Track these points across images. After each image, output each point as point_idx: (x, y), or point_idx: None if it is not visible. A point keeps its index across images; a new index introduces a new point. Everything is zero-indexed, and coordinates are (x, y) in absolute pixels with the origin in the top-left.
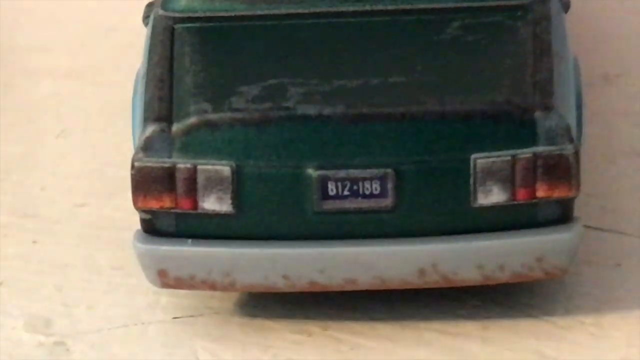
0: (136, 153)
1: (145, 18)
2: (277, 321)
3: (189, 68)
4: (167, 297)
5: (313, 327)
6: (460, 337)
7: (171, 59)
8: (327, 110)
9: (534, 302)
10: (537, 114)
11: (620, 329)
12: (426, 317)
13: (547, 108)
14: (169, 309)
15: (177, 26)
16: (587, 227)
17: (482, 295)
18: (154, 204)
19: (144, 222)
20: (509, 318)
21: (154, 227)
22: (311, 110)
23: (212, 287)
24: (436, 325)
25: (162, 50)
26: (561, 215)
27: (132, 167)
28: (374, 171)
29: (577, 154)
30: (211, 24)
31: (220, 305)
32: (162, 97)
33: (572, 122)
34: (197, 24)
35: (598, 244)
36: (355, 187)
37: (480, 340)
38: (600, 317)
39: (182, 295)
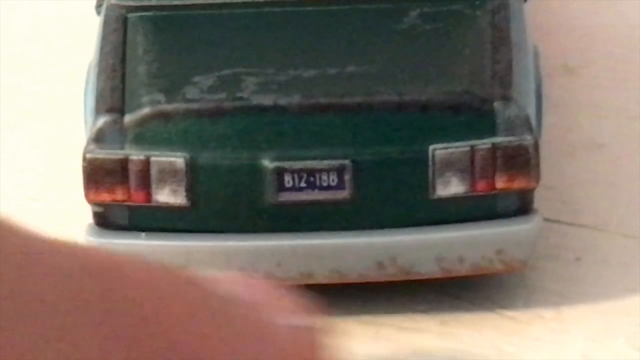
0: (87, 145)
1: (98, 7)
2: None
3: (141, 58)
4: None
5: None
6: (418, 332)
7: (124, 48)
8: (283, 101)
9: (494, 297)
10: (496, 104)
11: (581, 324)
12: (384, 313)
13: (506, 98)
14: None
15: (130, 15)
16: (547, 220)
17: (441, 290)
18: (106, 197)
19: (96, 215)
20: (468, 313)
21: (106, 221)
22: (267, 100)
23: None
24: (394, 320)
25: (115, 40)
26: (521, 206)
27: (84, 159)
28: (331, 162)
29: (536, 144)
30: (165, 13)
31: None
32: (114, 88)
33: (531, 112)
34: (150, 13)
35: (558, 237)
36: (312, 179)
37: (438, 336)
38: (560, 312)
39: None
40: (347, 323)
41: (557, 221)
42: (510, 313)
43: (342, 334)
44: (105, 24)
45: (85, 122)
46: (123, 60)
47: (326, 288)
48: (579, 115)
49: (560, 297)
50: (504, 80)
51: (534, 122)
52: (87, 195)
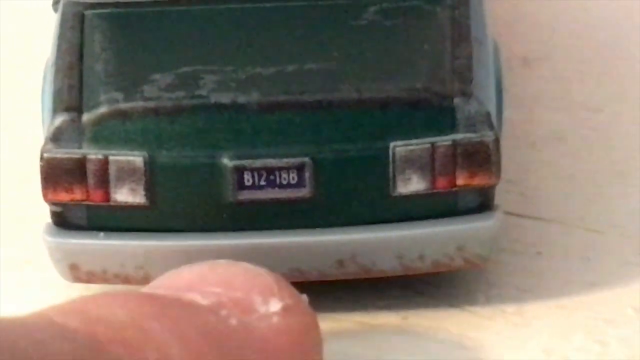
0: (45, 144)
1: (55, 4)
2: None
3: (99, 56)
4: (82, 292)
5: None
6: (379, 328)
7: (81, 46)
8: (241, 99)
9: (455, 292)
10: (456, 101)
11: (542, 318)
12: (345, 309)
13: (466, 94)
14: None
15: (87, 12)
16: (508, 213)
17: (402, 286)
18: (64, 197)
19: (54, 215)
20: (430, 308)
21: (64, 220)
22: (225, 98)
23: (126, 281)
24: (355, 316)
25: (72, 37)
26: (481, 203)
27: (41, 158)
28: (291, 160)
29: (497, 141)
30: (123, 10)
31: None
32: (71, 86)
33: (491, 108)
34: (108, 10)
35: (519, 231)
36: (271, 177)
37: (400, 331)
38: (521, 306)
39: (97, 290)
40: None
41: (518, 215)
42: (471, 308)
43: None
44: (62, 21)
45: (43, 121)
46: (80, 58)
47: None
48: (538, 108)
49: (522, 291)
50: (464, 76)
51: (494, 118)
52: (45, 195)
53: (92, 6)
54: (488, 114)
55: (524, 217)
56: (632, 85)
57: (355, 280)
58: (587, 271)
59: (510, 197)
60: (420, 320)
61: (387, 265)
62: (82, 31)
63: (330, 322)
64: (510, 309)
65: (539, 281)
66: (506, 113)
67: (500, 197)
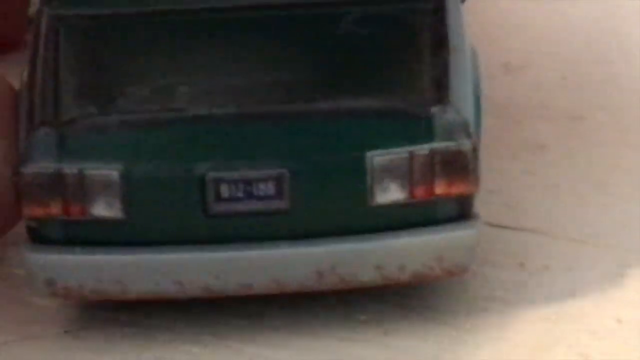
0: (22, 160)
1: (29, 23)
2: (171, 332)
3: (75, 70)
4: (58, 309)
5: (209, 337)
6: (360, 343)
7: (57, 60)
8: (218, 111)
9: (437, 305)
10: (434, 110)
11: (524, 331)
12: (325, 324)
13: (444, 103)
14: (61, 321)
15: (63, 27)
16: (490, 225)
17: (383, 299)
18: (40, 212)
19: (31, 230)
20: (411, 322)
21: (41, 236)
22: (202, 110)
23: (104, 296)
24: (336, 331)
25: (47, 52)
26: (460, 212)
27: (17, 173)
28: (268, 172)
29: (474, 149)
30: (97, 24)
31: (112, 317)
32: (46, 101)
33: (469, 116)
34: (84, 24)
35: (501, 242)
36: (249, 189)
37: (381, 347)
38: (503, 319)
39: (75, 307)
40: (288, 335)
41: (500, 226)
42: (453, 321)
43: (283, 347)
44: (38, 35)
45: (20, 136)
46: (56, 72)
47: (266, 296)
48: (520, 116)
49: (504, 304)
50: (441, 84)
51: (472, 126)
52: (21, 211)
53: (68, 20)
54: (465, 123)
55: (506, 228)
56: (614, 93)
57: (336, 293)
58: (570, 282)
59: (493, 208)
60: (401, 335)
61: (367, 276)
62: (57, 45)
63: (310, 338)
64: (491, 322)
65: (521, 293)
66: (487, 121)
67: (483, 207)
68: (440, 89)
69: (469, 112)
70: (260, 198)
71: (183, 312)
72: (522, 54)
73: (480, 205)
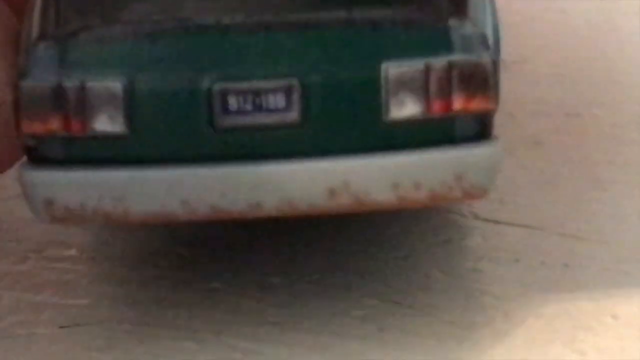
0: (20, 74)
1: None
2: (167, 329)
3: None
4: (53, 305)
5: (205, 333)
6: (356, 340)
7: None
8: (225, 19)
9: (433, 301)
10: (451, 22)
11: (520, 328)
12: (322, 320)
13: (461, 16)
14: (56, 317)
15: None
16: (484, 220)
17: (379, 296)
18: (40, 128)
19: (29, 150)
20: (406, 318)
21: (40, 155)
22: (208, 19)
23: (105, 217)
24: (332, 327)
25: None
26: (481, 131)
27: (17, 89)
28: (278, 82)
29: (494, 63)
30: None
31: (108, 314)
32: (45, 16)
33: (487, 31)
34: None
35: (497, 238)
36: (257, 101)
37: (376, 343)
38: (499, 316)
39: (70, 303)
40: (285, 331)
41: (495, 221)
42: (448, 318)
43: (280, 343)
44: None
45: (19, 53)
46: None
47: (259, 293)
48: (516, 112)
49: (499, 300)
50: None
51: (490, 42)
52: (19, 127)
53: None
54: (484, 36)
55: (501, 224)
56: (610, 89)
57: (330, 289)
58: (566, 279)
59: (488, 204)
60: (397, 332)
61: (382, 196)
62: None
63: (307, 334)
64: (487, 318)
65: (517, 289)
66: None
67: (478, 204)
68: (458, 3)
69: (487, 29)
70: (269, 111)
71: (178, 308)
72: (518, 49)
73: (474, 201)
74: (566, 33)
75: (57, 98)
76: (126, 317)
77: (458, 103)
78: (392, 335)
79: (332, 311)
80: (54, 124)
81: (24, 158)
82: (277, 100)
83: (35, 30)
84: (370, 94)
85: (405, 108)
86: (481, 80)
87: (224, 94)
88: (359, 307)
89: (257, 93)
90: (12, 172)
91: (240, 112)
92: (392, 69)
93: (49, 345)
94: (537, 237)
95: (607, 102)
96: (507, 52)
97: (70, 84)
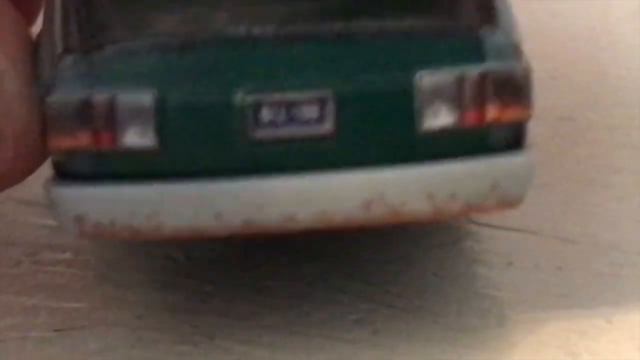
0: (48, 87)
1: None
2: (161, 332)
3: (99, 1)
4: (47, 308)
5: (199, 336)
6: (350, 343)
7: None
8: (257, 30)
9: (426, 305)
10: (483, 30)
11: (513, 331)
12: (316, 323)
13: (493, 24)
14: (50, 320)
15: None
16: (477, 223)
17: (373, 299)
18: (69, 143)
19: (57, 165)
20: (401, 322)
21: (69, 170)
22: (240, 30)
23: (136, 233)
24: (326, 331)
25: None
26: (514, 140)
27: (44, 103)
28: (312, 93)
29: (527, 71)
30: None
31: (102, 317)
32: (73, 28)
33: (518, 39)
34: None
35: (490, 242)
36: (291, 113)
37: (371, 346)
38: (493, 319)
39: (64, 306)
40: (279, 334)
41: (489, 225)
42: (442, 321)
43: (274, 347)
44: None
45: (42, 67)
46: (80, 3)
47: (252, 297)
48: None
49: (493, 303)
50: (489, 8)
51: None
52: (48, 142)
53: None
54: (516, 44)
55: (495, 228)
56: (603, 93)
57: (324, 293)
58: (559, 282)
59: None
60: (391, 335)
61: (418, 207)
62: None
63: (301, 338)
64: (481, 322)
65: (511, 293)
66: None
67: None
68: (488, 12)
69: (517, 36)
70: (303, 123)
71: (173, 311)
72: None
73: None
74: (559, 36)
75: (86, 113)
76: (120, 321)
77: (492, 112)
78: (386, 339)
79: (326, 314)
80: (83, 139)
81: (52, 173)
82: (310, 111)
83: (58, 44)
84: (404, 104)
85: (440, 118)
86: (515, 89)
87: (257, 106)
88: (353, 310)
89: (290, 105)
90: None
91: (273, 124)
92: (426, 79)
93: (43, 349)
94: (530, 240)
95: (600, 105)
96: None
97: (99, 98)
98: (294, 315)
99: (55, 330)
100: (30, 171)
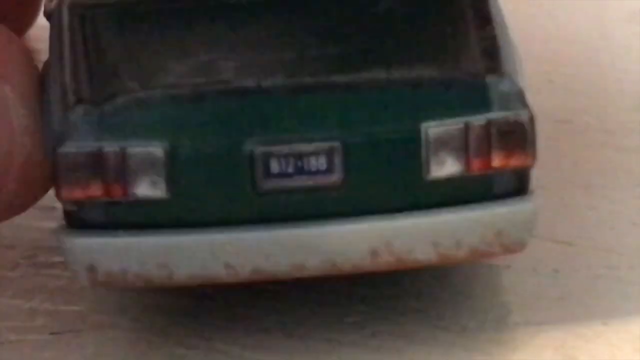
0: (58, 139)
1: (48, 14)
2: (158, 335)
3: (111, 46)
4: (44, 311)
5: (197, 339)
6: (348, 346)
7: (85, 44)
8: (266, 82)
9: (424, 307)
10: (489, 79)
11: (511, 335)
12: (313, 326)
13: (498, 72)
14: (47, 323)
15: (88, 13)
16: None
17: (371, 302)
18: (80, 194)
19: (68, 215)
20: (399, 325)
21: (80, 220)
22: (249, 82)
23: (148, 281)
24: (325, 334)
25: (75, 37)
26: (518, 186)
27: (54, 154)
28: (320, 145)
29: (532, 119)
30: (125, 9)
31: (100, 319)
32: (82, 80)
33: (523, 86)
34: (112, 10)
35: None
36: (299, 164)
37: (369, 349)
38: (490, 322)
39: (62, 309)
40: (276, 337)
41: None
42: (440, 323)
43: (271, 350)
44: (63, 24)
45: (48, 116)
46: (87, 54)
47: (250, 300)
48: None
49: (490, 306)
50: (493, 55)
51: (527, 97)
52: (59, 194)
53: (94, 7)
54: (521, 92)
55: None
56: (600, 96)
57: (322, 295)
58: (557, 285)
59: None
60: (389, 337)
61: (423, 255)
62: (85, 31)
63: (298, 341)
64: (478, 325)
65: (508, 296)
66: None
67: None
68: (493, 59)
69: (522, 83)
70: (311, 173)
71: (169, 314)
72: None
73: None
74: (556, 39)
75: (97, 164)
76: (118, 324)
77: (497, 160)
78: (384, 341)
79: (324, 317)
80: (95, 190)
81: (63, 222)
82: (319, 162)
83: (69, 92)
84: (410, 155)
85: (446, 167)
86: (520, 137)
87: (266, 158)
88: (351, 313)
89: (299, 156)
90: None
91: (282, 175)
92: (432, 129)
93: (41, 352)
94: (528, 243)
95: (597, 109)
96: None
97: (111, 149)
98: (292, 318)
99: (53, 333)
100: (32, 203)
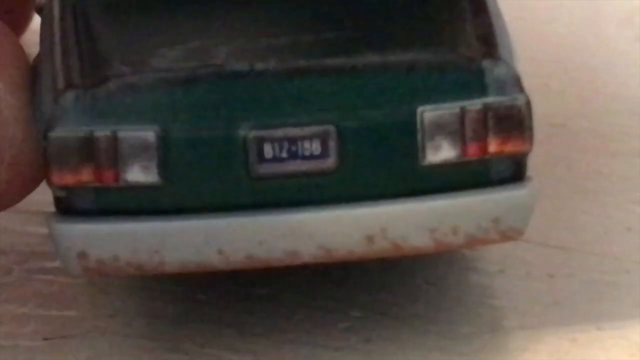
0: (49, 124)
1: (39, 9)
2: (151, 340)
3: (103, 29)
4: (37, 317)
5: (190, 344)
6: (342, 351)
7: (76, 30)
8: (259, 66)
9: (418, 313)
10: (485, 63)
11: (505, 340)
12: (306, 331)
13: (494, 57)
14: (40, 329)
15: (79, 1)
16: None
17: (365, 307)
18: (70, 179)
19: (59, 200)
20: (392, 330)
21: (71, 206)
22: (242, 66)
23: (139, 268)
24: (317, 339)
25: (65, 26)
26: (515, 172)
27: (45, 139)
28: (314, 129)
29: (529, 104)
30: None
31: (93, 325)
32: (73, 65)
33: (520, 71)
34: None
35: (482, 249)
36: (294, 148)
37: (363, 355)
38: (484, 327)
39: (54, 315)
40: (269, 343)
41: None
42: (434, 328)
43: (264, 355)
44: (54, 14)
45: (39, 103)
46: (78, 41)
47: (243, 305)
48: None
49: (484, 310)
50: (490, 40)
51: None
52: (49, 178)
53: None
54: (518, 77)
55: None
56: (595, 100)
57: (315, 300)
58: (551, 289)
59: None
60: (383, 343)
61: (419, 241)
62: (75, 18)
63: (291, 346)
64: (472, 330)
65: (502, 300)
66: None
67: None
68: (489, 45)
69: (517, 65)
70: (305, 158)
71: (163, 319)
72: None
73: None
74: (551, 43)
75: (88, 149)
76: (110, 329)
77: (494, 146)
78: (378, 346)
79: (318, 322)
80: (85, 176)
81: (53, 209)
82: (313, 147)
83: (59, 78)
84: (406, 139)
85: (442, 152)
86: (516, 122)
87: (260, 142)
88: (345, 318)
89: (293, 140)
90: None
91: (276, 159)
92: (428, 114)
93: (33, 357)
94: (521, 248)
95: (592, 112)
96: None
97: (102, 134)
98: (285, 324)
99: (45, 339)
100: (23, 195)
